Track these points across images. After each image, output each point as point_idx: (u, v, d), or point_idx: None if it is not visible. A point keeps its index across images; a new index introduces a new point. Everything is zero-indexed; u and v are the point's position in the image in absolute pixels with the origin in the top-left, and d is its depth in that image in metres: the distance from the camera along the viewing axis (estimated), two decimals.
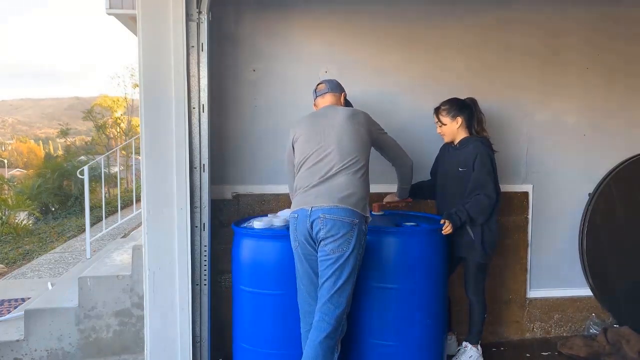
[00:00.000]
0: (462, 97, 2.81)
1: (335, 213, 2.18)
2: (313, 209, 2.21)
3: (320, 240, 2.21)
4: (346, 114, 2.41)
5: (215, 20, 2.79)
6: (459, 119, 2.75)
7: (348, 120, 2.37)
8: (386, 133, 2.56)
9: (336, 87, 2.60)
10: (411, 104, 2.90)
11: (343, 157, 2.29)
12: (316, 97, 2.61)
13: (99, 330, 3.04)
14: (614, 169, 3.31)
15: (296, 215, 2.28)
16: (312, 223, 2.21)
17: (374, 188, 3.01)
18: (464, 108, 2.76)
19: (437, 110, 2.81)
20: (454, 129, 2.77)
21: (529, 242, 3.30)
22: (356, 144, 2.33)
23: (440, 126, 2.81)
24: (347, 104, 2.68)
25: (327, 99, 2.56)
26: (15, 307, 3.72)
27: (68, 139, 24.40)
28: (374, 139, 2.47)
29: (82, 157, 14.14)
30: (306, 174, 2.33)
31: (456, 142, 2.79)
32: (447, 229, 2.53)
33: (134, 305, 3.04)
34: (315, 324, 2.21)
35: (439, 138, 2.88)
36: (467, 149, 2.71)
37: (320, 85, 2.61)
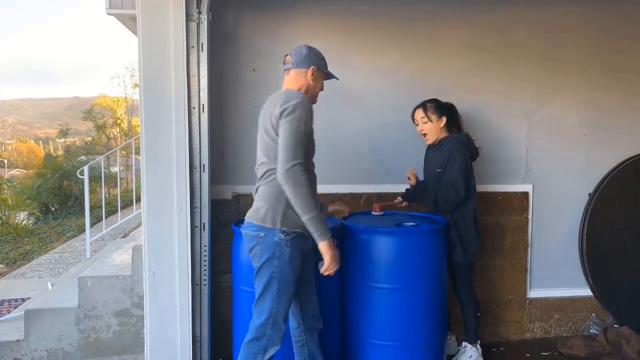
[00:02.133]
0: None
1: (245, 227, 2.13)
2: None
3: None
4: (268, 111, 2.03)
5: (215, 20, 2.79)
6: (444, 118, 2.76)
7: (264, 120, 2.06)
8: (290, 123, 1.93)
9: (302, 61, 2.09)
10: (411, 103, 2.90)
11: (259, 169, 2.13)
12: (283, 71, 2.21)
13: (99, 331, 3.04)
14: (614, 169, 3.31)
15: None
16: None
17: (374, 188, 3.04)
18: (446, 109, 2.78)
19: (424, 106, 2.78)
20: (438, 128, 2.77)
21: (529, 242, 3.30)
22: (264, 150, 2.07)
23: (425, 122, 2.77)
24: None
25: (289, 77, 2.14)
26: (15, 307, 3.72)
27: (68, 139, 24.43)
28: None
29: (82, 157, 14.18)
30: None
31: (437, 142, 2.80)
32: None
33: (134, 305, 3.04)
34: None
35: None
36: (444, 149, 2.72)
37: (286, 57, 2.16)
